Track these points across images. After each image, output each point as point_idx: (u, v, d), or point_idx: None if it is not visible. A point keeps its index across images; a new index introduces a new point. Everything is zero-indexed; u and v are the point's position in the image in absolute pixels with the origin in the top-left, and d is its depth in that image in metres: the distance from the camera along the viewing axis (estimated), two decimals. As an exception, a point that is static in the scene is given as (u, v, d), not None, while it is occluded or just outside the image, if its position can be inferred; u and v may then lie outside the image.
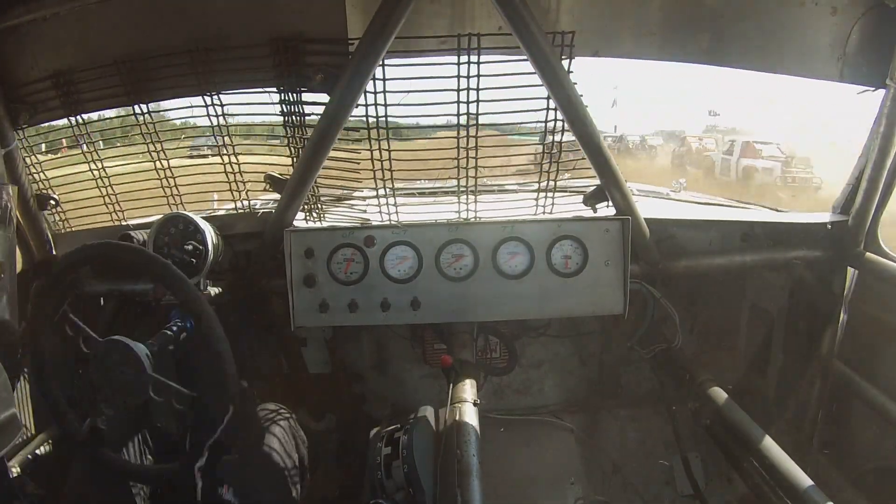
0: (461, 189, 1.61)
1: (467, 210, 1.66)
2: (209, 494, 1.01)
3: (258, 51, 1.39)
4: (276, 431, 1.44)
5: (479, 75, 1.40)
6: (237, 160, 1.61)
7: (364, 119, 1.45)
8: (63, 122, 1.56)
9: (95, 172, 1.64)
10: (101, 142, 1.61)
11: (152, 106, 1.53)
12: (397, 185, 1.61)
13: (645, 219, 1.55)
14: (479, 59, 1.38)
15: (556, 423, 2.15)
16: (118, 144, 1.70)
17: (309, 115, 1.48)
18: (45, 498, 1.37)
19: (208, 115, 1.51)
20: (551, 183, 1.60)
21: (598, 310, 1.58)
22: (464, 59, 1.38)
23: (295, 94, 1.45)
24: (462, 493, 1.08)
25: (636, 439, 2.14)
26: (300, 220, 1.64)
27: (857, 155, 1.47)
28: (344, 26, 1.34)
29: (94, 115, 1.56)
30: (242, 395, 1.09)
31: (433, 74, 1.41)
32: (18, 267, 1.67)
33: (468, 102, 1.44)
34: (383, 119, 1.45)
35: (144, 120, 1.53)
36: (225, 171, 1.62)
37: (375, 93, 1.41)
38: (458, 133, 1.49)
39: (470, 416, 1.31)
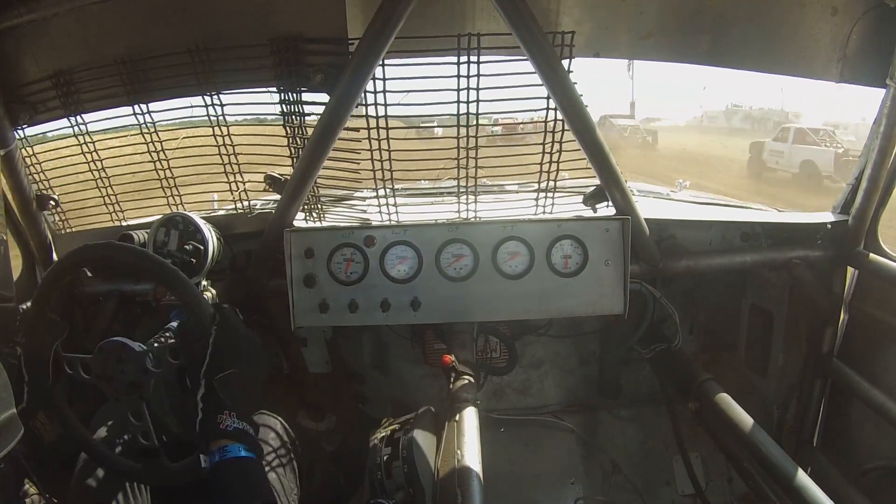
0: (461, 189, 1.61)
1: (467, 210, 1.66)
2: (209, 424, 0.97)
3: (258, 51, 1.39)
4: (271, 437, 1.44)
5: (479, 75, 1.40)
6: (237, 160, 1.61)
7: (364, 119, 1.45)
8: (63, 122, 1.56)
9: (95, 173, 1.64)
10: (100, 141, 1.61)
11: (152, 105, 1.53)
12: (397, 185, 1.61)
13: (645, 219, 1.55)
14: (479, 59, 1.38)
15: (556, 423, 2.15)
16: (118, 145, 1.70)
17: (309, 115, 1.48)
18: (45, 498, 1.37)
19: (208, 115, 1.51)
20: (551, 183, 1.60)
21: (598, 310, 1.58)
22: (464, 59, 1.38)
23: (295, 94, 1.45)
24: (462, 493, 1.08)
25: (636, 439, 2.14)
26: (300, 220, 1.64)
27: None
28: (344, 26, 1.34)
29: (95, 115, 1.56)
30: (223, 314, 1.07)
31: (433, 74, 1.41)
32: (19, 267, 1.68)
33: (468, 102, 1.44)
34: (383, 119, 1.45)
35: (144, 120, 1.53)
36: (225, 171, 1.62)
37: (375, 92, 1.41)
38: (458, 133, 1.49)
39: (470, 416, 1.31)
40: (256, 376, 1.08)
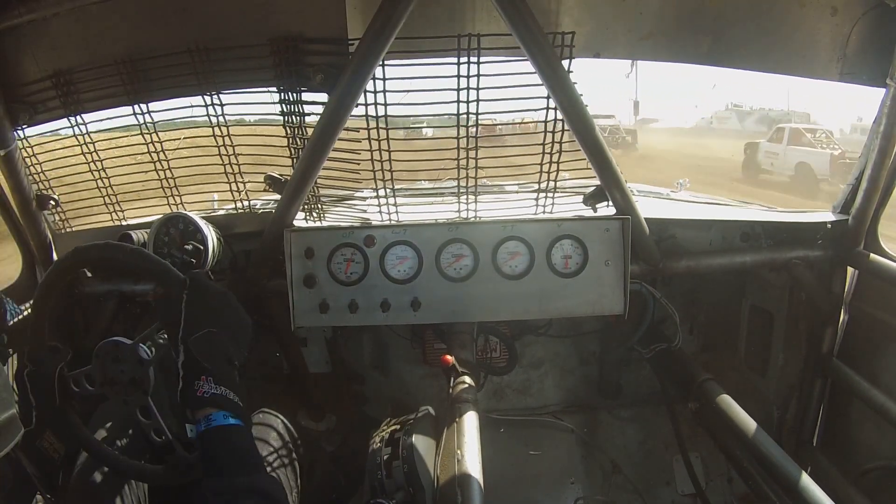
0: (461, 189, 1.61)
1: (467, 210, 1.66)
2: (188, 392, 0.94)
3: (258, 51, 1.39)
4: (272, 437, 1.44)
5: (479, 75, 1.40)
6: (237, 160, 1.61)
7: (364, 119, 1.45)
8: (63, 122, 1.56)
9: (95, 173, 1.64)
10: (101, 142, 1.61)
11: (153, 105, 1.53)
12: (397, 185, 1.61)
13: (645, 219, 1.55)
14: (479, 59, 1.38)
15: (556, 423, 2.15)
16: (118, 145, 1.70)
17: (309, 114, 1.48)
18: (44, 498, 1.37)
19: (208, 115, 1.51)
20: (551, 183, 1.60)
21: (598, 310, 1.58)
22: (464, 59, 1.38)
23: (295, 94, 1.45)
24: (462, 493, 1.08)
25: (636, 439, 2.14)
26: (300, 220, 1.64)
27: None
28: (344, 26, 1.34)
29: (95, 115, 1.56)
30: (192, 277, 1.04)
31: (433, 74, 1.41)
32: (19, 267, 1.68)
33: (468, 102, 1.44)
34: (383, 119, 1.45)
35: (144, 120, 1.53)
36: (225, 172, 1.62)
37: (375, 92, 1.41)
38: (458, 133, 1.49)
39: (470, 416, 1.31)
40: (236, 333, 1.03)
